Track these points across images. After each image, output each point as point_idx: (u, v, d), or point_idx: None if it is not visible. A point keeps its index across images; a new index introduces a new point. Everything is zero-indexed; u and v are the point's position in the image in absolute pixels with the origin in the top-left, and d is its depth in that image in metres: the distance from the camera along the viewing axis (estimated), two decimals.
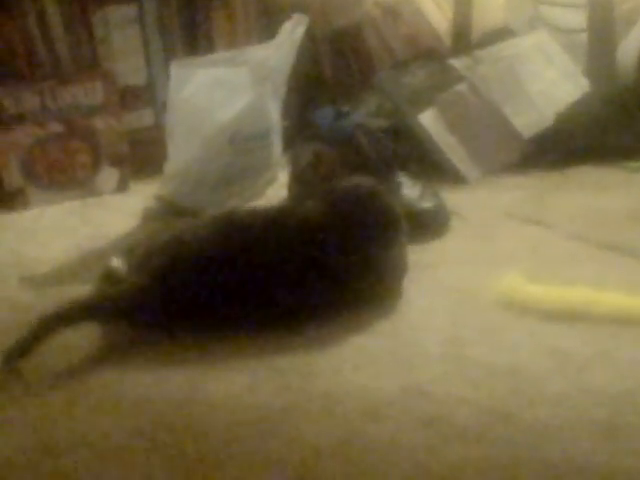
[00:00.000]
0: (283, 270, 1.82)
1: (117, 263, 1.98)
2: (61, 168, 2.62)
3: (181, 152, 2.45)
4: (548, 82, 2.78)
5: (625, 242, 2.16)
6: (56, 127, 2.60)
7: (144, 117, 2.75)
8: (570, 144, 2.67)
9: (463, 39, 2.86)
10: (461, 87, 2.69)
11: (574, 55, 2.88)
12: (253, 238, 1.85)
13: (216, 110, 2.42)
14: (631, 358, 1.70)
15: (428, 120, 2.63)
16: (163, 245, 1.89)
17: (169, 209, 2.44)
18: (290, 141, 2.58)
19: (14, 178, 2.58)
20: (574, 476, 1.40)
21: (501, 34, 2.93)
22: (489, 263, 2.06)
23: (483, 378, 1.67)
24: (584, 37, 2.89)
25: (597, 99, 2.75)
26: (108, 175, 2.64)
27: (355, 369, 1.72)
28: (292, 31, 2.49)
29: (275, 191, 2.49)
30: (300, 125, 2.67)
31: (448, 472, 1.42)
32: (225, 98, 2.43)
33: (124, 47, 2.74)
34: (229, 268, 1.82)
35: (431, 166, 2.58)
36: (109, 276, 1.96)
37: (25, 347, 1.70)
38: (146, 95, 2.75)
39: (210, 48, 2.74)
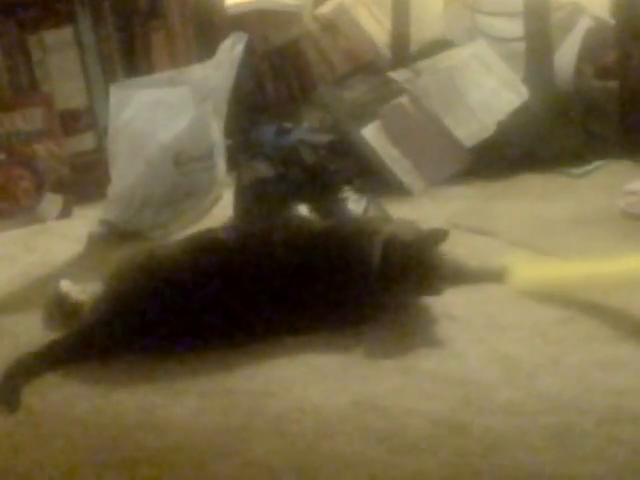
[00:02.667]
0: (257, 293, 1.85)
1: (67, 287, 1.98)
2: (3, 196, 2.60)
3: (124, 175, 2.44)
4: (488, 91, 2.80)
5: (568, 247, 2.19)
6: None
7: (85, 141, 2.75)
8: (512, 152, 2.69)
9: (402, 51, 2.88)
10: (402, 99, 2.71)
11: (513, 64, 2.91)
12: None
13: (158, 131, 2.42)
14: (577, 362, 1.73)
15: (370, 134, 2.64)
16: (129, 271, 1.90)
17: (114, 233, 2.43)
18: (234, 160, 2.58)
19: None
20: None
21: (440, 45, 2.96)
22: None
23: (434, 389, 1.69)
24: (522, 45, 2.92)
25: (537, 107, 2.78)
26: (51, 201, 2.63)
27: (306, 386, 1.73)
28: (231, 49, 2.49)
29: (221, 210, 2.50)
30: (243, 143, 2.68)
31: None
32: (166, 119, 2.43)
33: (62, 70, 2.73)
34: (196, 289, 1.83)
35: (375, 179, 2.59)
36: (60, 301, 1.96)
37: None
38: (87, 118, 2.75)
39: (149, 69, 2.74)
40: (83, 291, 1.97)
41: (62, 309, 1.96)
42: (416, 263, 1.84)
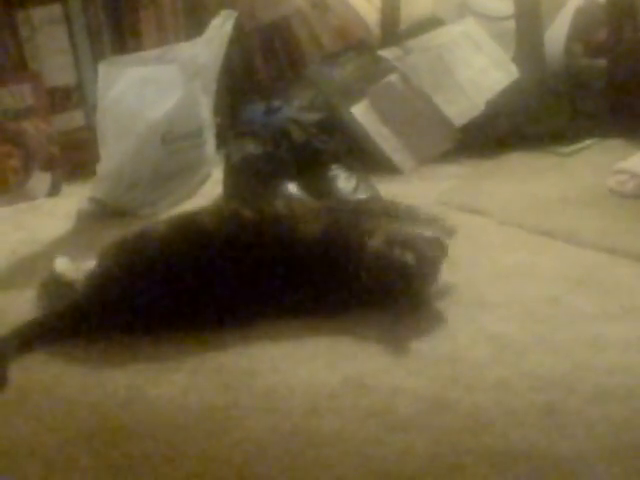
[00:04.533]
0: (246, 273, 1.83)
1: (62, 266, 1.97)
2: None
3: (113, 153, 2.44)
4: (478, 70, 2.80)
5: (557, 226, 2.20)
6: None
7: (75, 118, 2.73)
8: (501, 131, 2.70)
9: (392, 30, 2.87)
10: (392, 78, 2.70)
11: (502, 42, 2.90)
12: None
13: (147, 109, 2.41)
14: (566, 340, 1.74)
15: (360, 112, 2.64)
16: (118, 249, 1.89)
17: (103, 210, 2.43)
18: (223, 138, 2.58)
19: None
20: (515, 461, 1.42)
21: (430, 23, 2.95)
22: None
23: (423, 367, 1.70)
24: (512, 24, 2.92)
25: (527, 86, 2.77)
26: (40, 179, 2.61)
27: (296, 364, 1.73)
28: (221, 27, 2.49)
29: (210, 188, 2.49)
30: (232, 121, 2.67)
31: (394, 462, 1.44)
32: (155, 96, 2.43)
33: (51, 47, 2.71)
34: (187, 271, 1.83)
35: (365, 158, 2.59)
36: (55, 280, 1.95)
37: None
38: (76, 96, 2.73)
39: (138, 46, 2.73)
40: (78, 269, 1.95)
41: (58, 288, 1.94)
42: (406, 278, 1.82)
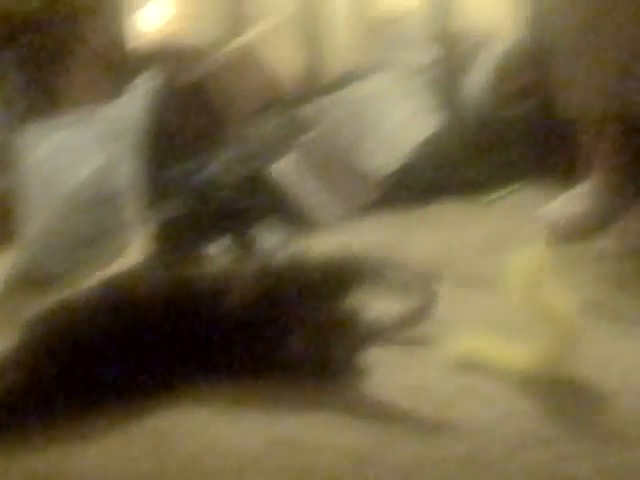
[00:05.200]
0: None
1: None
2: None
3: (35, 219, 2.41)
4: (399, 121, 2.83)
5: (486, 275, 2.20)
6: None
7: None
8: (425, 180, 2.72)
9: (312, 85, 2.90)
10: (314, 133, 2.72)
11: (424, 93, 2.94)
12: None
13: (66, 174, 2.40)
14: (491, 391, 1.75)
15: (283, 169, 2.65)
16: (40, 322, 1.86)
17: (26, 279, 2.40)
18: (147, 200, 2.57)
19: None
20: None
21: (351, 77, 2.98)
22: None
23: (349, 422, 1.69)
24: (432, 74, 2.96)
25: (448, 135, 2.81)
26: None
27: (222, 426, 1.71)
28: (143, 88, 2.49)
29: (134, 252, 2.48)
30: (155, 183, 2.67)
31: None
32: (75, 161, 2.42)
33: None
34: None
35: (289, 213, 2.59)
36: None
37: None
38: None
39: (57, 110, 2.71)
40: None
41: None
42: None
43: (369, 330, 1.83)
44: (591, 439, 1.57)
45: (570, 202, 2.41)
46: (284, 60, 3.08)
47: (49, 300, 2.00)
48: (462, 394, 1.74)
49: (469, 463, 1.54)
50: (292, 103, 2.87)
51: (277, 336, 1.82)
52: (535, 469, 1.50)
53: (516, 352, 1.79)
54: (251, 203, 2.43)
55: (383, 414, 1.71)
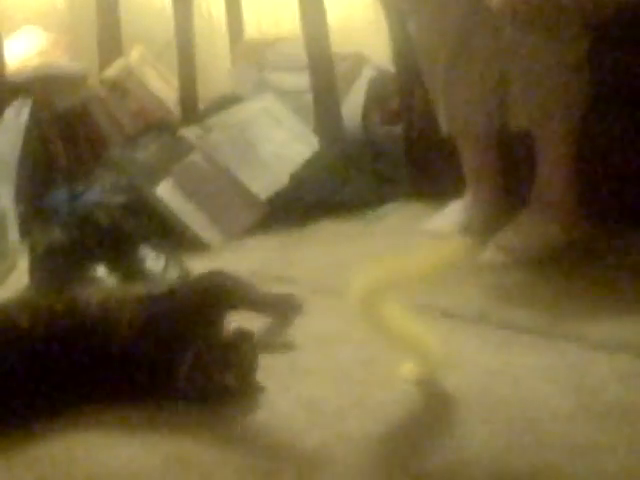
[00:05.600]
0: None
1: None
2: None
3: None
4: (279, 144, 2.84)
5: None
6: None
7: None
8: (306, 201, 2.74)
9: (191, 109, 2.90)
10: (194, 156, 2.72)
11: (302, 116, 2.97)
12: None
13: None
14: (383, 401, 1.76)
15: (165, 192, 2.64)
16: None
17: None
18: (26, 226, 2.53)
19: None
20: None
21: (229, 100, 2.99)
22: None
23: (243, 439, 1.69)
24: (309, 98, 2.99)
25: (328, 155, 2.84)
26: None
27: (114, 448, 1.69)
28: (16, 116, 2.46)
29: (15, 279, 2.44)
30: (35, 209, 2.63)
31: None
32: None
33: None
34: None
35: (174, 236, 2.59)
36: None
37: None
38: None
39: None
40: None
41: None
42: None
43: (248, 346, 1.83)
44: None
45: (450, 217, 2.46)
46: (162, 85, 3.08)
47: None
48: (353, 406, 1.76)
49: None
50: (172, 127, 2.86)
51: (165, 361, 1.81)
52: None
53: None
54: (135, 226, 2.41)
55: (276, 430, 1.72)
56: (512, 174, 2.46)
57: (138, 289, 1.99)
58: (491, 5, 2.12)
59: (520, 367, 1.85)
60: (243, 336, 1.83)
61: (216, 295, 1.89)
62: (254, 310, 1.99)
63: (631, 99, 2.36)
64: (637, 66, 2.35)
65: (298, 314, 1.92)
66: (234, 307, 1.91)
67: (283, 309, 1.93)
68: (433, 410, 1.74)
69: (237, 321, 1.92)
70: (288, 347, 2.01)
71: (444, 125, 2.45)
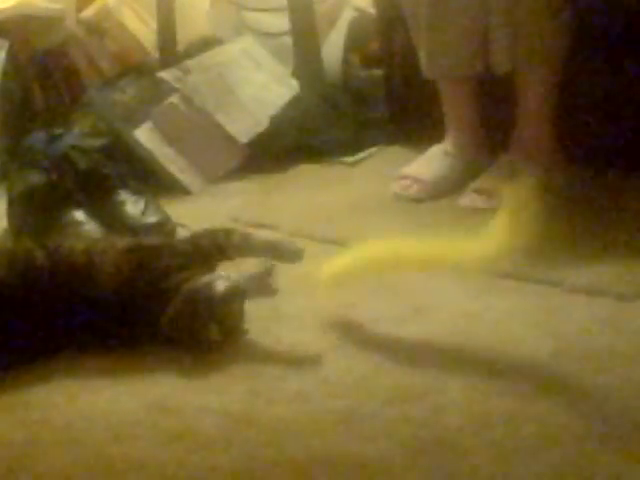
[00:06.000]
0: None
1: None
2: None
3: None
4: (259, 86, 2.82)
5: (346, 234, 2.22)
6: None
7: None
8: (287, 145, 2.73)
9: (170, 51, 2.87)
10: (173, 99, 2.70)
11: (281, 58, 2.94)
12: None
13: None
14: (361, 344, 1.78)
15: (144, 135, 2.62)
16: None
17: None
18: (3, 169, 2.52)
19: None
20: (319, 469, 1.44)
21: (208, 43, 2.96)
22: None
23: (224, 384, 1.70)
24: (289, 40, 2.96)
25: (308, 99, 2.82)
26: None
27: (94, 394, 1.70)
28: None
29: None
30: (12, 152, 2.61)
31: None
32: None
33: None
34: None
35: (153, 180, 2.57)
36: None
37: None
38: None
39: None
40: None
41: None
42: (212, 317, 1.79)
43: (233, 291, 1.82)
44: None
45: (431, 161, 2.45)
46: (140, 26, 3.04)
47: None
48: (333, 349, 1.76)
49: (345, 418, 1.57)
50: (151, 69, 2.83)
51: (147, 307, 1.81)
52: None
53: None
54: (114, 169, 2.39)
55: (257, 375, 1.72)
56: (494, 119, 2.44)
57: (128, 239, 1.97)
58: None
59: (500, 311, 1.87)
60: (234, 291, 1.82)
61: (209, 251, 1.87)
62: (254, 256, 1.96)
63: (612, 43, 2.35)
64: (617, 11, 2.33)
65: (299, 259, 1.88)
66: (230, 258, 1.89)
67: (283, 255, 1.90)
68: (412, 352, 1.75)
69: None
70: (272, 293, 2.01)
71: (425, 68, 2.43)
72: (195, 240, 1.90)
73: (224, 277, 1.82)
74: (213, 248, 1.87)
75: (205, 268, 1.85)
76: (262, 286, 2.01)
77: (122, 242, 1.91)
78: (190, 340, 1.79)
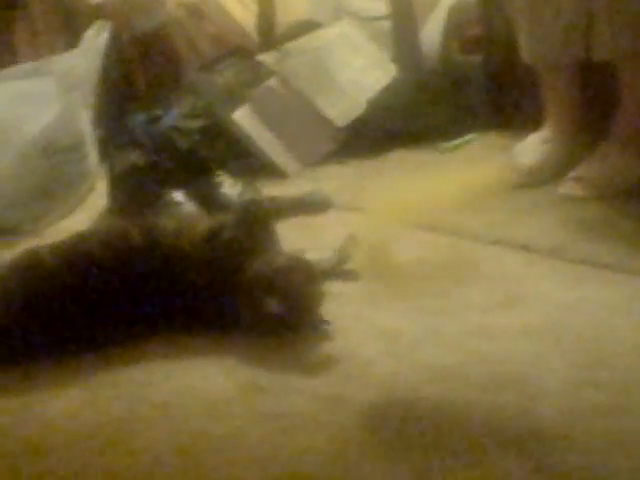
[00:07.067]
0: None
1: None
2: None
3: None
4: (357, 70, 2.82)
5: (442, 221, 2.23)
6: None
7: None
8: (383, 129, 2.73)
9: (269, 34, 2.88)
10: (272, 82, 2.71)
11: (380, 43, 2.94)
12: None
13: (24, 123, 2.38)
14: (456, 331, 1.77)
15: (242, 117, 2.64)
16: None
17: None
18: (106, 149, 2.55)
19: None
20: (413, 454, 1.45)
21: (306, 26, 2.96)
22: (316, 250, 2.07)
23: (316, 367, 1.71)
24: (387, 24, 2.96)
25: (405, 84, 2.81)
26: None
27: (189, 374, 1.73)
28: (96, 38, 2.47)
29: (94, 201, 2.47)
30: (114, 133, 2.65)
31: (293, 463, 1.45)
32: (33, 110, 2.39)
33: None
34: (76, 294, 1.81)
35: (250, 162, 2.59)
36: None
37: None
38: None
39: (13, 60, 2.68)
40: None
41: None
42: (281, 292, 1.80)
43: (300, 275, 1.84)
44: None
45: (530, 148, 2.43)
46: (240, 9, 3.06)
47: (10, 251, 2.00)
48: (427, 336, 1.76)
49: (438, 404, 1.57)
50: (250, 52, 2.85)
51: (225, 293, 1.83)
52: None
53: None
54: (213, 151, 2.42)
55: (349, 358, 1.73)
56: (594, 107, 2.41)
57: (206, 224, 1.99)
58: None
59: (595, 302, 1.85)
60: (294, 263, 1.85)
61: (256, 216, 1.91)
62: (291, 215, 1.98)
63: None
64: None
65: (328, 207, 1.94)
66: (276, 218, 1.93)
67: (313, 205, 1.96)
68: (506, 343, 1.74)
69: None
70: (357, 277, 2.00)
71: (526, 55, 2.42)
72: (242, 223, 1.92)
73: (288, 256, 1.87)
74: (256, 225, 1.90)
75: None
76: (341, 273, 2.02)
77: (202, 224, 1.92)
78: (256, 317, 1.80)
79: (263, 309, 1.77)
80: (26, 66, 2.50)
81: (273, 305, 1.76)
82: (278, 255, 1.90)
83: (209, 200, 2.29)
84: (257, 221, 1.90)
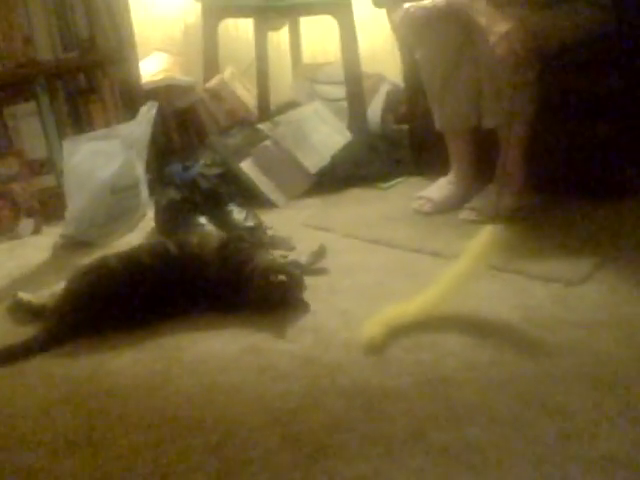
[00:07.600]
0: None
1: (26, 296, 1.89)
2: None
3: (76, 202, 2.37)
4: (324, 135, 2.82)
5: (380, 236, 2.23)
6: None
7: (48, 180, 2.64)
8: (341, 175, 2.71)
9: (265, 110, 2.87)
10: (267, 142, 2.70)
11: (340, 116, 2.93)
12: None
13: (98, 171, 2.36)
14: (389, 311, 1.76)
15: (247, 166, 2.62)
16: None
17: (71, 243, 2.36)
18: (153, 188, 2.55)
19: None
20: (357, 397, 1.43)
21: (290, 105, 2.96)
22: (296, 254, 2.07)
23: (296, 336, 1.71)
24: (345, 104, 2.96)
25: (357, 144, 2.81)
26: (26, 223, 2.52)
27: (209, 340, 1.72)
28: (147, 112, 2.46)
29: (145, 224, 2.45)
30: (159, 177, 2.64)
31: (280, 402, 1.46)
32: (104, 162, 2.37)
33: (29, 132, 2.63)
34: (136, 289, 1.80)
35: (252, 197, 2.57)
36: (21, 307, 1.88)
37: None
38: (47, 165, 2.65)
39: (90, 128, 2.66)
40: (40, 296, 1.89)
41: (28, 311, 1.86)
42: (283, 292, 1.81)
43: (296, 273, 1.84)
44: None
45: (440, 187, 2.43)
46: (246, 93, 3.06)
47: (87, 258, 1.99)
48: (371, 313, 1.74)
49: (375, 359, 1.56)
50: (252, 122, 2.85)
51: (239, 282, 1.82)
52: None
53: None
54: (226, 189, 2.41)
55: (318, 330, 1.73)
56: (484, 159, 2.42)
57: (219, 237, 1.98)
58: (497, 52, 2.07)
59: (485, 292, 1.84)
60: (292, 265, 1.88)
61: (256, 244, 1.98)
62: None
63: (569, 109, 2.32)
64: (573, 85, 2.31)
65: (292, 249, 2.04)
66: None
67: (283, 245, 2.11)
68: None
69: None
70: (324, 273, 2.00)
71: (438, 123, 2.42)
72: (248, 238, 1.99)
73: (277, 257, 1.91)
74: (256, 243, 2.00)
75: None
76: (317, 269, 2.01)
77: (215, 240, 1.93)
78: (267, 300, 1.79)
79: (270, 280, 1.77)
80: (100, 132, 2.49)
81: (278, 275, 1.77)
82: (270, 255, 1.93)
83: (223, 223, 2.28)
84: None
